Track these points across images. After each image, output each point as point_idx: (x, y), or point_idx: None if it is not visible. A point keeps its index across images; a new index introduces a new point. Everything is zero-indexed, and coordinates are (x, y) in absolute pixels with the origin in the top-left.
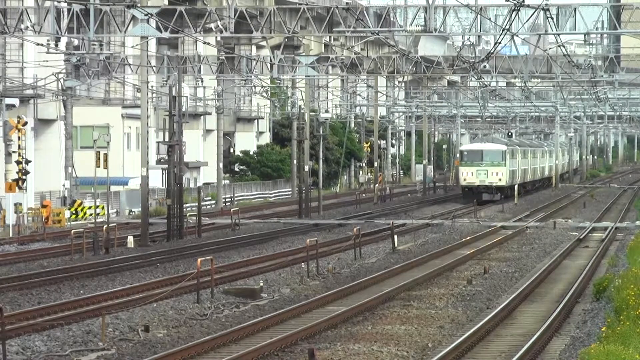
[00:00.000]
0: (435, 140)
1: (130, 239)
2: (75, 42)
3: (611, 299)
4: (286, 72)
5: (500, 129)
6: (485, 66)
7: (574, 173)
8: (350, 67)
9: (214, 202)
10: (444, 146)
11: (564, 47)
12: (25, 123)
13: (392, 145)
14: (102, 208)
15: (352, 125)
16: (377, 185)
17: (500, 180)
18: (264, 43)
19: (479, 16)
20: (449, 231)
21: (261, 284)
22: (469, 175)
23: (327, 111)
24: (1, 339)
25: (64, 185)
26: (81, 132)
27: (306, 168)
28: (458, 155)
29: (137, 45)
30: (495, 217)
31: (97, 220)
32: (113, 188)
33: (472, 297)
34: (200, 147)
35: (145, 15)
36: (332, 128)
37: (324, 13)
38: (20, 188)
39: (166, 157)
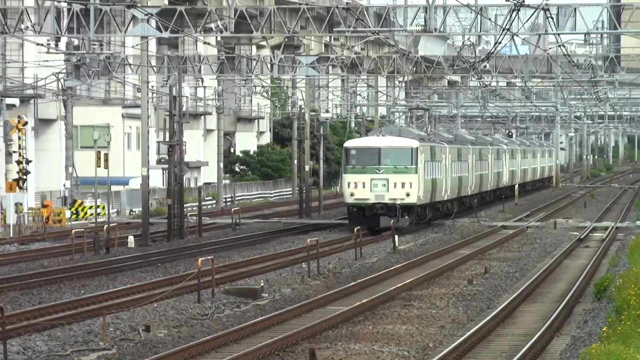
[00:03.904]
0: None
1: (131, 238)
2: (76, 42)
3: (612, 298)
4: (286, 72)
5: (500, 128)
6: (485, 66)
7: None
8: (350, 67)
9: (214, 202)
10: None
11: (564, 47)
12: (26, 123)
13: None
14: (103, 208)
15: (353, 125)
16: None
17: (408, 195)
18: (264, 43)
19: (479, 16)
20: (449, 231)
21: (262, 284)
22: (359, 188)
23: (327, 111)
24: (2, 338)
25: (64, 185)
26: (81, 132)
27: (307, 168)
28: (343, 155)
29: (137, 45)
30: (495, 217)
31: (98, 220)
32: (113, 188)
33: (473, 296)
34: (200, 147)
35: (146, 15)
36: (333, 128)
37: (324, 13)
38: (20, 188)
39: (167, 157)
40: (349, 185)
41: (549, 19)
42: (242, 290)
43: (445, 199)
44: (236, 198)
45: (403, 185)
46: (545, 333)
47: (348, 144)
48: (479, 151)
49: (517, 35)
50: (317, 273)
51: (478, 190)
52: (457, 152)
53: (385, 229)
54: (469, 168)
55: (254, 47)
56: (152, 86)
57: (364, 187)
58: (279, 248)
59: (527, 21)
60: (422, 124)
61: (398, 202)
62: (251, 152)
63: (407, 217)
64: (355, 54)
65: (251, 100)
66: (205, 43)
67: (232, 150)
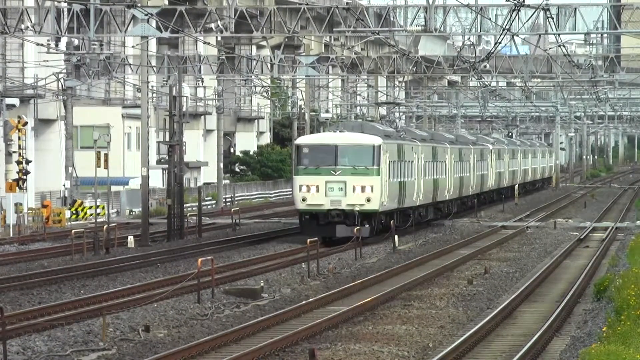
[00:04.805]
0: None
1: (131, 239)
2: (76, 42)
3: (612, 299)
4: (286, 72)
5: (500, 128)
6: (485, 66)
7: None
8: (350, 67)
9: (214, 202)
10: None
11: (564, 47)
12: (26, 123)
13: None
14: (103, 208)
15: None
16: None
17: (369, 200)
18: (264, 43)
19: (479, 16)
20: (449, 231)
21: (262, 284)
22: (312, 192)
23: (327, 111)
24: (2, 339)
25: (64, 185)
26: (81, 132)
27: None
28: (294, 153)
29: (137, 45)
30: (495, 217)
31: (98, 220)
32: (113, 188)
33: (473, 297)
34: (200, 147)
35: (146, 15)
36: None
37: (324, 13)
38: (20, 188)
39: (166, 157)
40: (300, 189)
41: (549, 19)
42: (242, 291)
43: (418, 204)
44: (236, 198)
45: (363, 189)
46: (545, 333)
47: (300, 140)
48: (458, 151)
49: (517, 35)
50: (317, 273)
51: (458, 194)
52: (432, 152)
53: (342, 239)
54: (447, 169)
55: (254, 47)
56: (152, 86)
57: (317, 191)
58: (279, 248)
59: (527, 21)
60: (421, 123)
61: (357, 208)
62: (251, 152)
63: (367, 225)
64: (355, 54)
65: (251, 100)
66: (205, 43)
67: (232, 150)
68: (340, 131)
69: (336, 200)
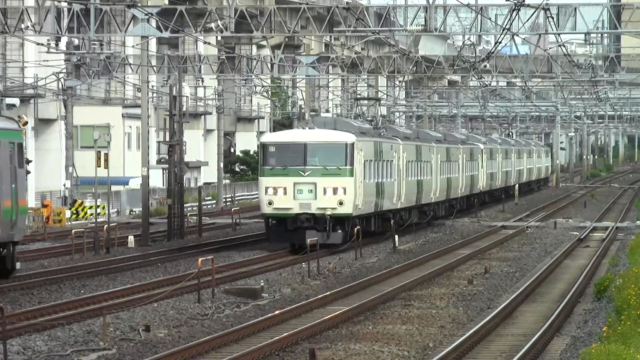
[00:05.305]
0: None
1: (131, 238)
2: (76, 41)
3: (612, 298)
4: (287, 72)
5: (500, 128)
6: (485, 66)
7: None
8: (350, 66)
9: (214, 201)
10: None
11: (564, 46)
12: (26, 123)
13: None
14: (103, 208)
15: None
16: None
17: (342, 203)
18: (264, 43)
19: (479, 16)
20: (449, 231)
21: (262, 284)
22: (279, 195)
23: (327, 111)
24: (2, 338)
25: (64, 185)
26: (82, 132)
27: None
28: (259, 153)
29: (137, 44)
30: (495, 217)
31: (98, 220)
32: (114, 188)
33: (473, 296)
34: (200, 147)
35: (146, 14)
36: None
37: (324, 13)
38: None
39: (167, 157)
40: (266, 191)
41: (549, 18)
42: (242, 290)
43: (399, 207)
44: (236, 198)
45: (335, 191)
46: (545, 333)
47: (265, 138)
48: (445, 150)
49: (517, 35)
50: (317, 273)
51: (445, 196)
52: (416, 151)
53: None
54: (432, 170)
55: (254, 47)
56: (152, 86)
57: (285, 193)
58: (279, 248)
59: (527, 21)
60: (422, 123)
61: (328, 212)
62: (251, 152)
63: (340, 231)
64: (355, 53)
65: (251, 100)
66: (205, 43)
67: (232, 150)
68: (310, 128)
69: (305, 203)
